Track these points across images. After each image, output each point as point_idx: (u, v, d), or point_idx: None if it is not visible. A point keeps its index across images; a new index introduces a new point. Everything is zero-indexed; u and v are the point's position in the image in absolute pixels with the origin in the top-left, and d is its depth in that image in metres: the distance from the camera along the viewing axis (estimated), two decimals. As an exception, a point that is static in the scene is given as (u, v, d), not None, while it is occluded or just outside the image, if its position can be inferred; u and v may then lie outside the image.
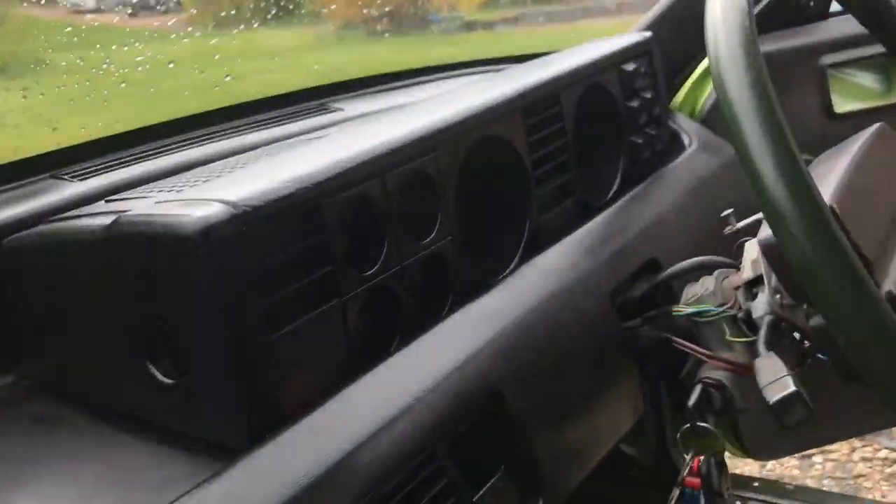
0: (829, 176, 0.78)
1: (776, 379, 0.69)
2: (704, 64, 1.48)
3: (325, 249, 0.70)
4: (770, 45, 1.45)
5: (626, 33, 1.22)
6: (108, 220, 0.70)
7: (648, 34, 1.19)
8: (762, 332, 0.77)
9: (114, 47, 1.20)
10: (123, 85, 1.13)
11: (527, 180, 0.96)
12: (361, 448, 0.67)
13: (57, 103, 1.07)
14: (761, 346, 0.75)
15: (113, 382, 0.74)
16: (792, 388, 0.68)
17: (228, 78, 1.25)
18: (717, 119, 1.43)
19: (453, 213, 0.85)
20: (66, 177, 0.91)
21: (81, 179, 0.91)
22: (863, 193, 0.77)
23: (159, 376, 0.69)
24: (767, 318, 0.78)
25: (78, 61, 1.17)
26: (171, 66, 1.23)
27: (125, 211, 0.72)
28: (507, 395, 0.78)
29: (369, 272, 0.75)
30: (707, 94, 1.46)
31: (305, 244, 0.69)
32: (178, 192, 0.78)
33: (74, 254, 0.72)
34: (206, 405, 0.67)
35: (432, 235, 0.82)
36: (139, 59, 1.19)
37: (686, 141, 1.28)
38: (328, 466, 0.64)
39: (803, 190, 0.57)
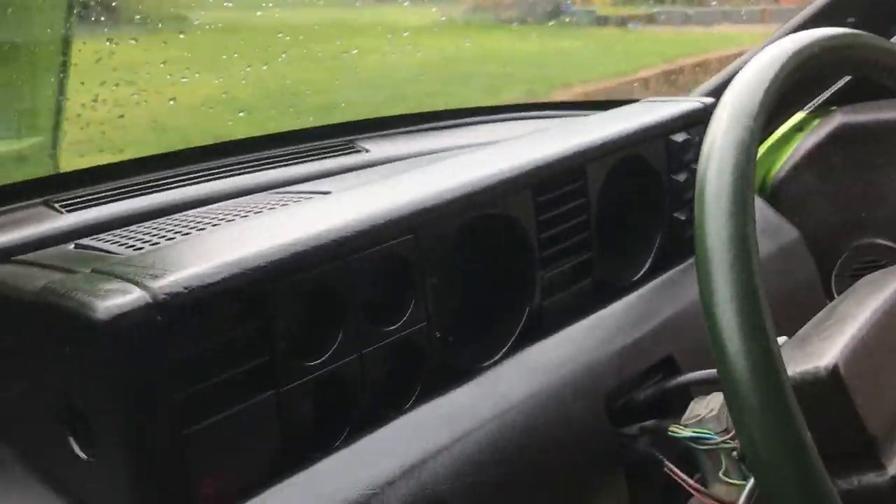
0: (857, 314, 0.67)
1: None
2: (785, 127, 1.35)
3: (261, 338, 0.65)
4: (870, 114, 1.32)
5: (686, 97, 1.12)
6: (47, 279, 0.67)
7: (709, 100, 1.08)
8: (747, 488, 0.68)
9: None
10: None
11: (532, 261, 0.88)
12: (269, 560, 0.62)
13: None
14: (739, 507, 0.66)
15: (40, 444, 0.71)
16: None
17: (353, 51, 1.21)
18: (789, 192, 1.30)
19: (434, 296, 0.79)
20: (57, 205, 0.90)
21: (70, 210, 0.89)
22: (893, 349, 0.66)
23: (76, 449, 0.66)
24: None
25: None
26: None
27: (70, 271, 0.69)
28: (455, 510, 0.72)
29: (316, 362, 0.69)
30: (783, 161, 1.33)
31: (237, 333, 0.64)
32: (138, 248, 0.74)
33: (11, 307, 0.69)
34: (113, 490, 0.64)
35: (401, 322, 0.76)
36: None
37: (742, 218, 1.16)
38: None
39: (768, 380, 0.48)
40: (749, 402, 0.48)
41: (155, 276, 0.61)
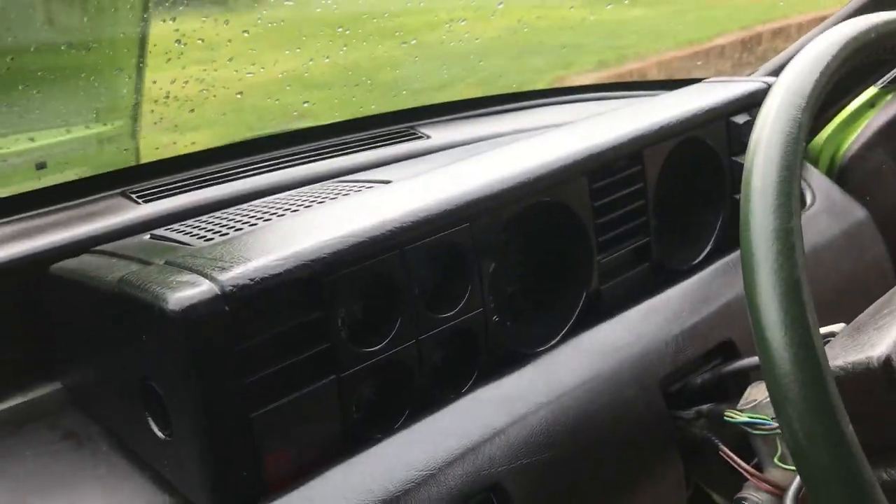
0: None
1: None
2: (856, 103, 1.31)
3: (322, 326, 0.69)
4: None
5: (747, 78, 1.10)
6: (125, 270, 0.71)
7: (771, 80, 1.07)
8: (798, 477, 0.68)
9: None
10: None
11: (588, 247, 0.89)
12: (332, 536, 0.65)
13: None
14: (790, 494, 0.66)
15: (123, 418, 0.77)
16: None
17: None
18: (858, 171, 1.27)
19: (493, 283, 0.81)
20: (134, 196, 0.95)
21: (146, 201, 0.94)
22: None
23: (155, 429, 0.71)
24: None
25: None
26: None
27: (146, 262, 0.73)
28: (510, 489, 0.74)
29: (375, 348, 0.72)
30: (853, 139, 1.30)
31: (300, 321, 0.67)
32: (208, 239, 0.78)
33: (94, 296, 0.74)
34: (188, 467, 0.68)
35: (458, 308, 0.78)
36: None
37: (808, 199, 1.14)
38: (288, 555, 0.64)
39: (809, 374, 0.48)
40: (790, 393, 0.49)
41: (223, 269, 0.65)
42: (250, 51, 1.02)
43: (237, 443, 0.65)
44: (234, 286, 0.63)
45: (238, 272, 0.64)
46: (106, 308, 0.72)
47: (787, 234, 0.52)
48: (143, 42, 1.34)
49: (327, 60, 1.11)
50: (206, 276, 0.64)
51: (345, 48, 1.12)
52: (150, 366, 0.68)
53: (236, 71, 1.02)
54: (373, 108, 1.16)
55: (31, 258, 0.85)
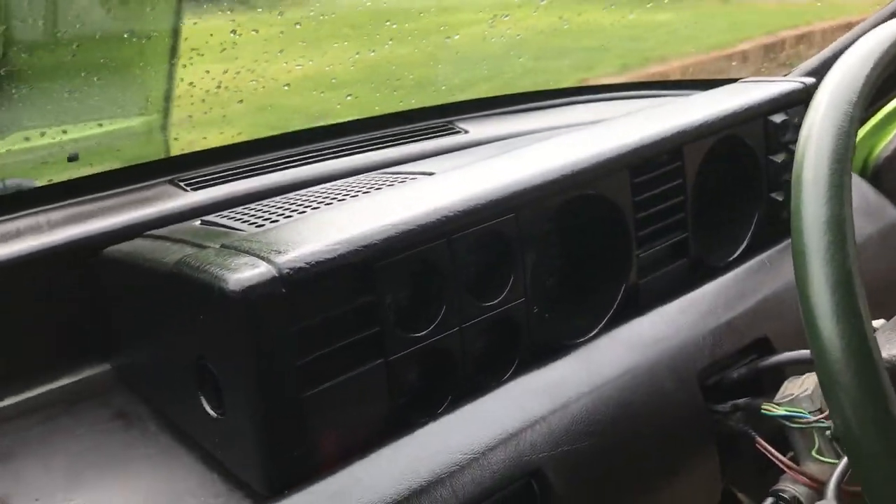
0: None
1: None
2: (889, 107, 1.32)
3: (372, 310, 0.70)
4: None
5: (786, 77, 1.11)
6: (182, 254, 0.73)
7: (809, 80, 1.08)
8: (840, 466, 0.69)
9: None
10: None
11: (628, 241, 0.90)
12: (379, 515, 0.67)
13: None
14: (831, 487, 0.67)
15: (174, 399, 0.79)
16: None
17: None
18: (892, 173, 1.28)
19: (532, 273, 0.82)
20: (182, 184, 0.97)
21: (195, 189, 0.96)
22: None
23: (207, 408, 0.73)
24: (850, 452, 0.70)
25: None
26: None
27: (200, 245, 0.75)
28: (550, 475, 0.75)
29: (421, 333, 0.74)
30: (887, 141, 1.30)
31: (351, 305, 0.69)
32: (259, 225, 0.80)
33: (149, 277, 0.76)
34: (240, 446, 0.70)
35: (501, 297, 0.79)
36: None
37: (843, 199, 1.15)
38: (339, 531, 0.65)
39: (862, 362, 0.50)
40: (843, 382, 0.50)
41: (279, 252, 0.67)
42: (300, 43, 1.05)
43: (289, 422, 0.67)
44: (291, 269, 0.65)
45: (295, 255, 0.66)
46: (162, 289, 0.75)
47: (840, 225, 0.53)
48: (175, 36, 1.37)
49: (372, 54, 1.13)
50: (263, 258, 0.66)
51: (391, 42, 1.14)
52: (205, 345, 0.70)
53: (286, 63, 1.04)
54: (413, 103, 1.18)
55: (84, 242, 0.87)
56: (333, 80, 1.10)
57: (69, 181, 0.97)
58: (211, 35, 1.00)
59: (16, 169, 1.35)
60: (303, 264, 0.66)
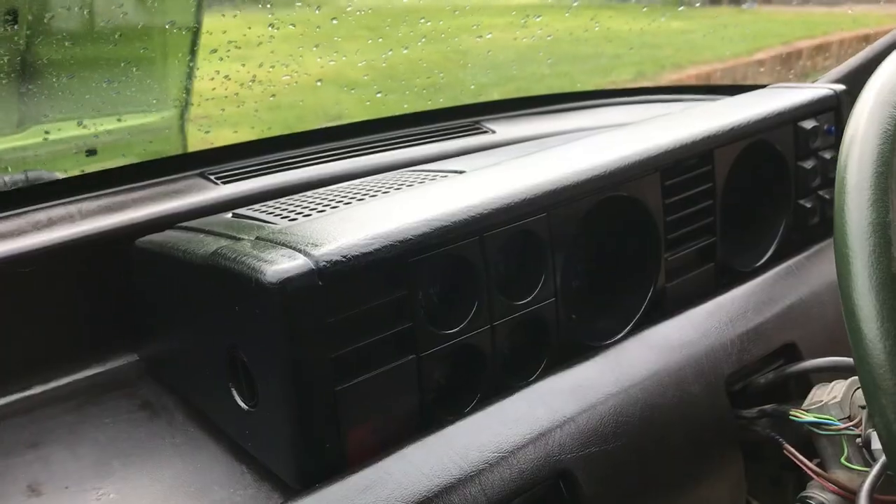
0: None
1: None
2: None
3: (405, 305, 0.70)
4: None
5: (814, 84, 1.11)
6: (215, 245, 0.74)
7: (839, 87, 1.07)
8: (872, 472, 0.69)
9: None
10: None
11: (657, 243, 0.90)
12: (408, 512, 0.67)
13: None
14: (864, 493, 0.67)
15: (204, 391, 0.79)
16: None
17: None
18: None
19: (562, 273, 0.82)
20: (212, 177, 0.97)
21: (225, 182, 0.96)
22: None
23: (238, 399, 0.73)
24: (884, 458, 0.69)
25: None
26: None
27: (233, 237, 0.75)
28: (579, 476, 0.75)
29: (453, 330, 0.74)
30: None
31: (385, 300, 0.69)
32: (292, 219, 0.80)
33: (183, 268, 0.77)
34: (271, 438, 0.70)
35: (531, 296, 0.79)
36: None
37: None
38: (369, 526, 0.65)
39: None
40: (885, 383, 0.50)
41: (316, 245, 0.67)
42: (336, 39, 1.05)
43: (321, 414, 0.67)
44: (327, 262, 0.65)
45: (331, 249, 0.66)
46: (196, 280, 0.75)
47: (884, 229, 0.53)
48: (195, 34, 1.37)
49: (405, 52, 1.13)
50: (300, 251, 0.66)
51: (423, 39, 1.14)
52: (239, 336, 0.70)
53: (319, 58, 1.05)
54: (441, 102, 1.18)
55: (116, 232, 0.88)
56: (365, 77, 1.10)
57: (99, 172, 0.98)
58: (249, 28, 1.00)
59: (36, 161, 1.36)
60: (339, 257, 0.66)
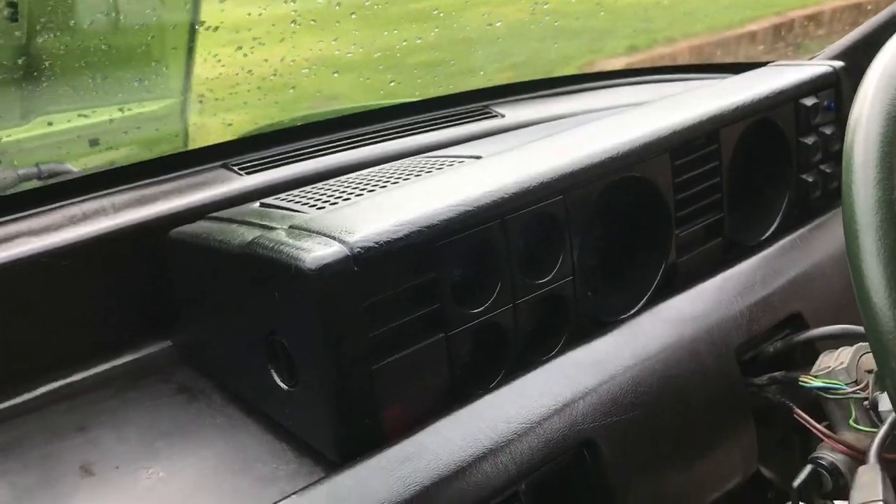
0: None
1: (867, 501, 0.65)
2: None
3: (433, 287, 0.74)
4: None
5: (813, 62, 1.14)
6: (250, 235, 0.77)
7: (838, 64, 1.11)
8: (881, 432, 0.73)
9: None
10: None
11: (668, 221, 0.94)
12: (445, 481, 0.71)
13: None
14: (873, 451, 0.71)
15: (242, 373, 0.83)
16: (879, 516, 0.64)
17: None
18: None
19: (579, 252, 0.86)
20: (235, 167, 1.00)
21: (249, 173, 1.00)
22: None
23: (278, 380, 0.77)
24: (892, 417, 0.74)
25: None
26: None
27: (266, 227, 0.79)
28: (601, 444, 0.79)
29: (478, 309, 0.78)
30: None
31: (415, 282, 0.73)
32: (319, 207, 0.84)
33: (219, 258, 0.80)
34: (311, 416, 0.74)
35: (551, 275, 0.83)
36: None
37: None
38: (409, 496, 0.69)
39: None
40: (894, 348, 0.54)
41: (350, 232, 0.70)
42: (354, 32, 1.08)
43: (359, 393, 0.71)
44: (361, 248, 0.69)
45: (364, 235, 0.70)
46: (233, 268, 0.78)
47: (890, 205, 0.57)
48: (192, 27, 1.40)
49: (419, 42, 1.16)
50: (335, 238, 0.70)
51: (436, 30, 1.17)
52: (278, 321, 0.74)
53: (337, 51, 1.07)
54: (451, 88, 1.22)
55: (148, 224, 0.91)
56: (380, 67, 1.13)
57: (125, 167, 1.01)
58: (273, 25, 1.03)
59: (42, 153, 1.39)
60: (372, 244, 0.69)
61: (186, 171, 1.00)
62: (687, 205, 0.95)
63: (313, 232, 0.72)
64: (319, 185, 0.94)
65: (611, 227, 0.94)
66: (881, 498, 0.65)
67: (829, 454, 0.82)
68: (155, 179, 0.98)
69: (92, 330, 0.92)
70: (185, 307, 0.91)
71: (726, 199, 1.00)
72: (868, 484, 0.67)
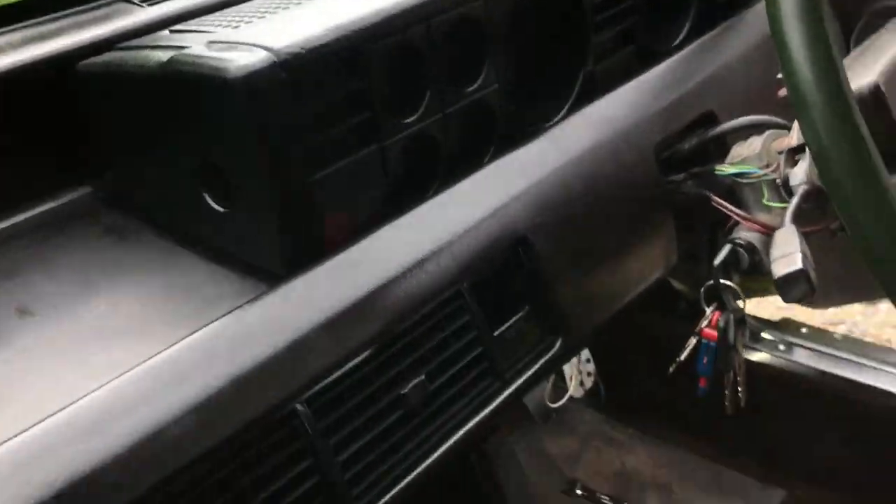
0: (885, 52, 0.75)
1: (786, 254, 0.71)
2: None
3: (365, 96, 0.74)
4: None
5: None
6: (166, 55, 0.74)
7: None
8: (793, 202, 0.78)
9: None
10: None
11: (585, 26, 0.94)
12: (391, 283, 0.73)
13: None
14: (787, 217, 0.76)
15: (172, 204, 0.81)
16: (798, 265, 0.70)
17: None
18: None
19: (502, 61, 0.86)
20: (136, 1, 0.95)
21: (151, 4, 0.94)
22: None
23: (213, 204, 0.76)
24: (802, 188, 0.79)
25: None
26: None
27: (182, 47, 0.76)
28: (534, 241, 0.83)
29: (409, 119, 0.78)
30: None
31: (346, 91, 0.72)
32: (234, 27, 0.81)
33: (136, 85, 0.77)
34: (252, 233, 0.74)
35: (477, 83, 0.83)
36: None
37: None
38: (358, 298, 0.71)
39: (828, 76, 0.56)
40: (811, 98, 0.57)
41: (275, 40, 0.68)
42: None
43: (299, 205, 0.71)
44: (289, 54, 0.67)
45: (290, 41, 0.68)
46: (153, 93, 0.75)
47: None
48: None
49: None
50: (259, 46, 0.68)
51: None
52: (208, 141, 0.72)
53: None
54: None
55: (50, 61, 0.86)
56: None
57: (13, 4, 0.93)
58: None
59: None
60: (300, 49, 0.68)
61: (84, 7, 0.94)
62: (604, 9, 0.96)
63: (235, 43, 0.70)
64: (229, 10, 0.90)
65: (531, 35, 0.94)
66: (799, 249, 0.71)
67: (745, 234, 0.88)
68: (48, 17, 0.92)
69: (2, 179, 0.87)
70: (103, 146, 0.87)
71: (639, 6, 1.01)
72: (786, 241, 0.73)
